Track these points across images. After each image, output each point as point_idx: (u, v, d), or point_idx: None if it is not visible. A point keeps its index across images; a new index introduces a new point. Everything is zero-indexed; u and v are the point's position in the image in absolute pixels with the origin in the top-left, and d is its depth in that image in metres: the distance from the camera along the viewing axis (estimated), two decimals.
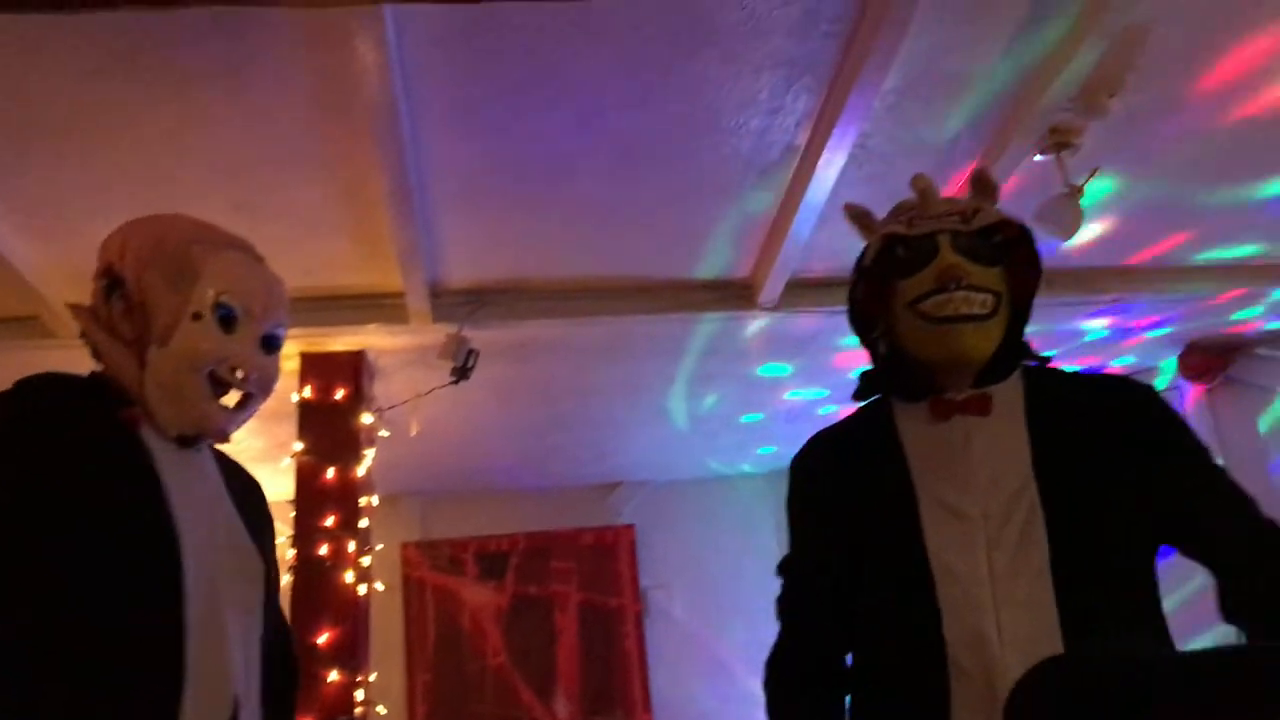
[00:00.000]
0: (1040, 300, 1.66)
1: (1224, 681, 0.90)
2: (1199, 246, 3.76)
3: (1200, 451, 1.53)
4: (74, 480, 1.39)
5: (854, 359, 4.16)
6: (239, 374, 1.57)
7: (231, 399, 1.58)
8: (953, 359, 1.54)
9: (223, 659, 1.44)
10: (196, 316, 1.56)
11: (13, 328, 3.56)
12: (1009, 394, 1.56)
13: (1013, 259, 1.60)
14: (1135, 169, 3.22)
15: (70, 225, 3.04)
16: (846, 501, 1.58)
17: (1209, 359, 4.31)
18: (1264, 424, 4.27)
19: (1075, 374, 1.65)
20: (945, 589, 1.42)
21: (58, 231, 3.08)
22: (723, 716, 5.47)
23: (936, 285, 1.53)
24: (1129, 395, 1.57)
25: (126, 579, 1.38)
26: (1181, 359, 4.39)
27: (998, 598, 1.40)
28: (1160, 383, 4.57)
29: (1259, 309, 4.10)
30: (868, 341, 1.70)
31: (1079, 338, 4.32)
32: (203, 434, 1.57)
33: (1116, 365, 4.68)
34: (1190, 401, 4.44)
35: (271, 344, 1.64)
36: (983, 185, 1.67)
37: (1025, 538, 1.42)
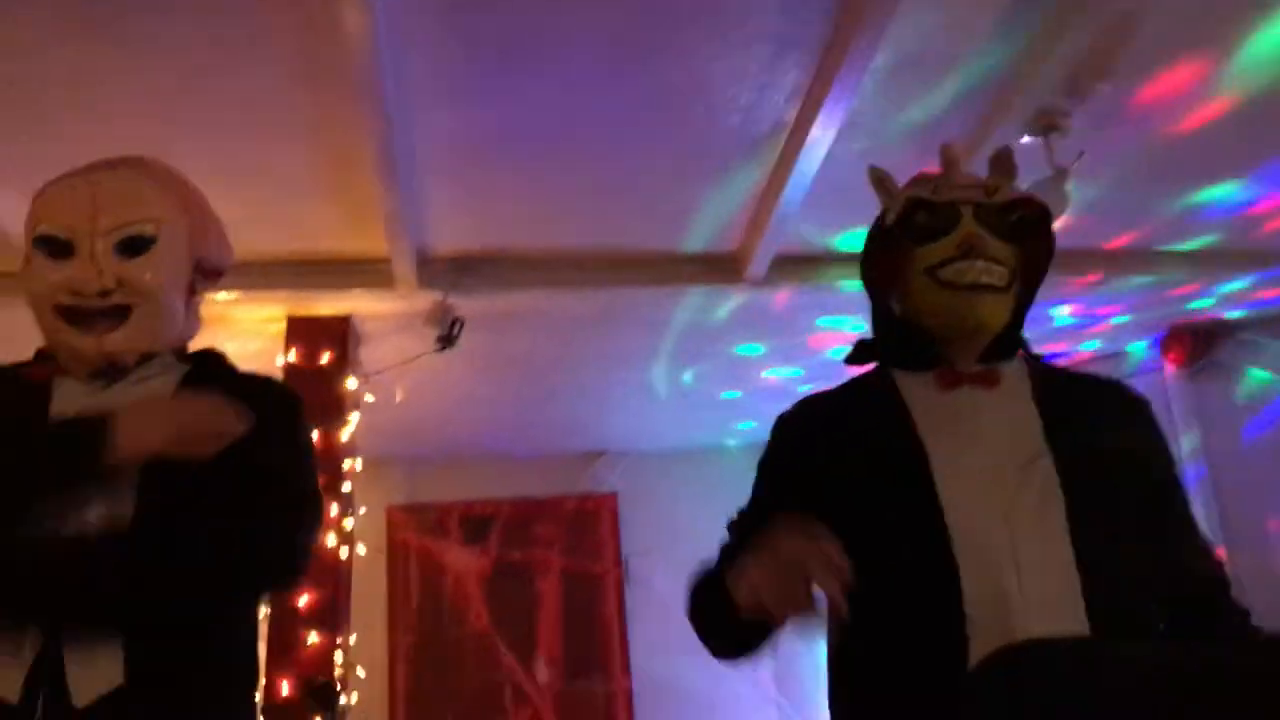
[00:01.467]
0: None
1: (1174, 676, 0.92)
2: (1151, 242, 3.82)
3: (1182, 485, 1.62)
4: None
5: (829, 340, 4.19)
6: (84, 293, 1.52)
7: (103, 321, 1.53)
8: (967, 327, 1.56)
9: None
10: (28, 260, 1.57)
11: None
12: (1014, 373, 1.59)
13: (1028, 238, 1.62)
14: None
15: None
16: (844, 464, 1.56)
17: (1192, 342, 4.34)
18: (1241, 396, 4.32)
19: (1073, 370, 1.69)
20: (963, 548, 1.41)
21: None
22: (699, 682, 5.51)
23: (958, 253, 1.55)
24: (1128, 396, 1.64)
25: None
26: (1164, 342, 4.41)
27: (1019, 559, 1.40)
28: (1130, 366, 4.62)
29: (1210, 300, 4.16)
30: (879, 303, 1.71)
31: (1048, 323, 4.34)
32: (93, 365, 1.54)
33: (1085, 350, 4.71)
34: (1170, 382, 4.46)
35: (130, 246, 1.56)
36: (1003, 163, 1.69)
37: (1043, 503, 1.43)
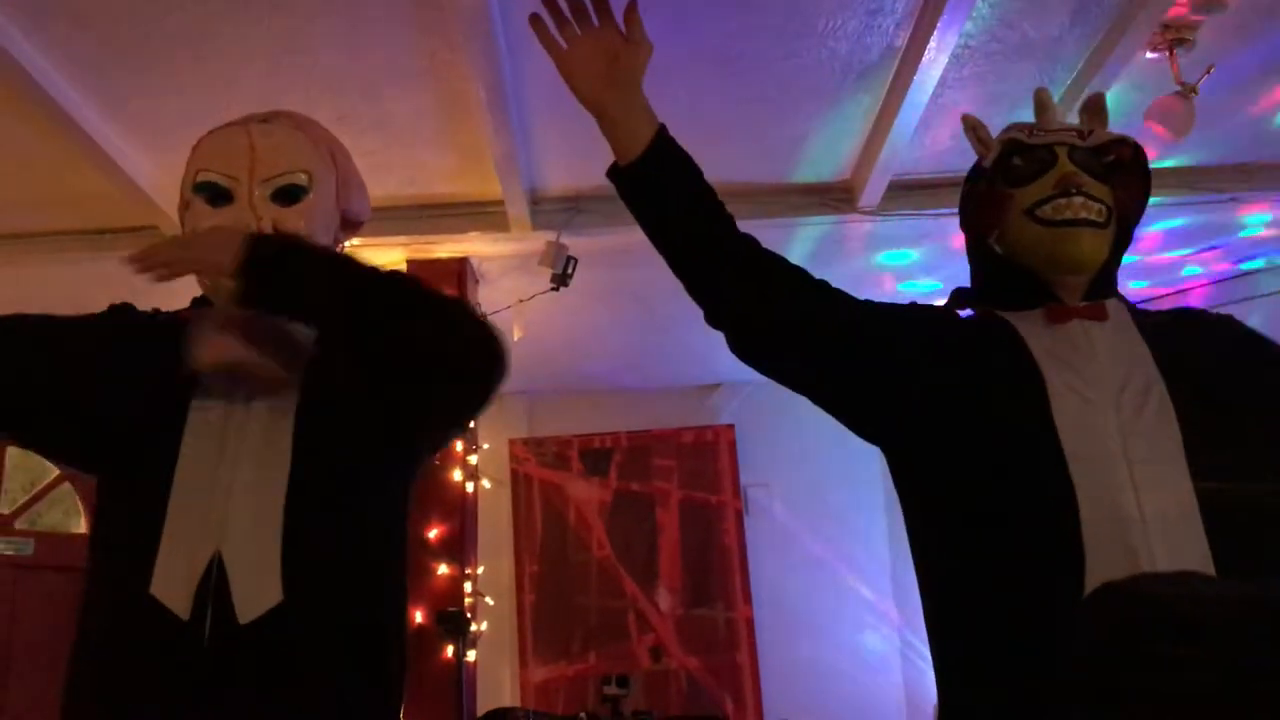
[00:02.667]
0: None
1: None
2: None
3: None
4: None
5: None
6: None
7: None
8: (1071, 261, 1.56)
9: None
10: (187, 205, 1.62)
11: (133, 237, 3.74)
12: (1118, 309, 1.59)
13: (1124, 178, 1.61)
14: None
15: (187, 143, 3.16)
16: (966, 383, 1.55)
17: None
18: None
19: (1163, 311, 1.68)
20: (1080, 469, 1.42)
21: (175, 148, 3.20)
22: (820, 608, 5.60)
23: (1056, 190, 1.55)
24: (1215, 319, 1.63)
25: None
26: None
27: (1136, 480, 1.41)
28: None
29: None
30: (980, 248, 1.71)
31: (1236, 230, 4.15)
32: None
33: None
34: None
35: (286, 195, 1.62)
36: (1095, 109, 1.69)
37: (1159, 428, 1.44)
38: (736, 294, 1.60)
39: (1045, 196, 1.56)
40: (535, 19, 1.61)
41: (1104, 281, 1.60)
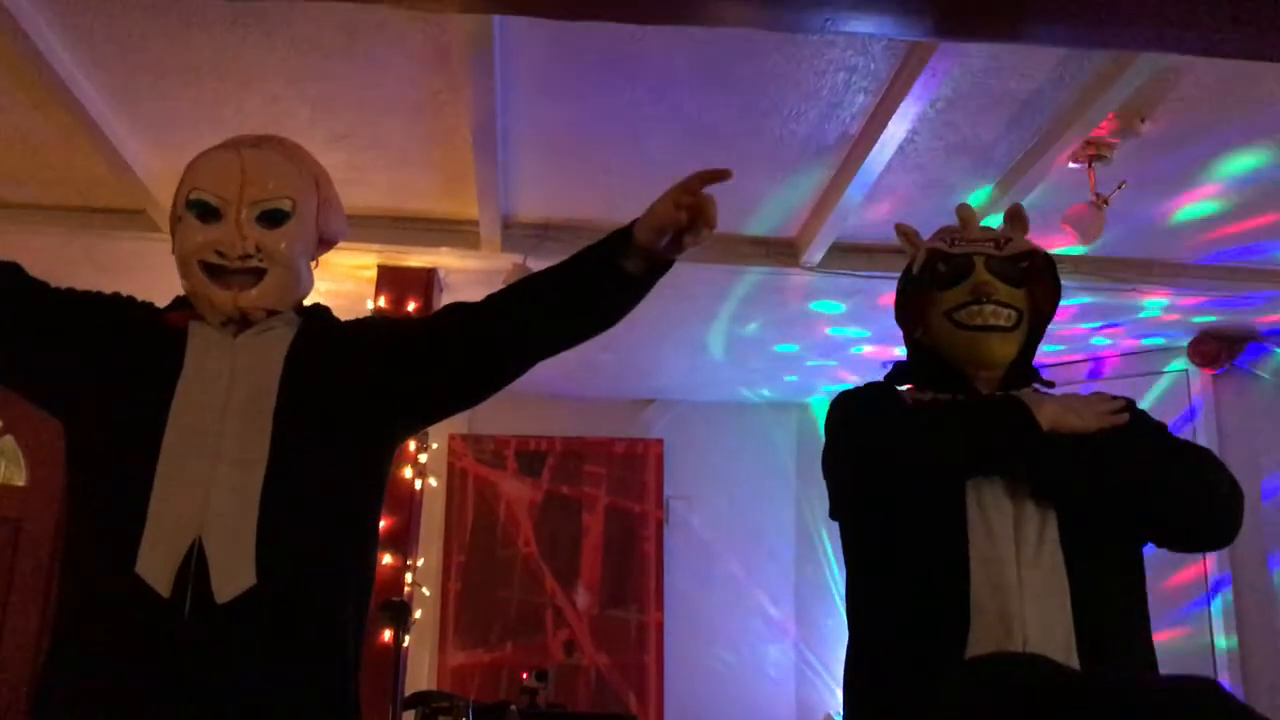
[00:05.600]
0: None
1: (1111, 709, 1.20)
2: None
3: (1158, 435, 1.84)
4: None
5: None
6: (227, 255, 1.72)
7: (240, 279, 1.74)
8: (980, 361, 1.84)
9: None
10: (179, 219, 1.79)
11: (126, 219, 3.93)
12: (1027, 399, 1.82)
13: (1035, 283, 1.89)
14: None
15: (191, 144, 3.36)
16: None
17: (1219, 346, 4.58)
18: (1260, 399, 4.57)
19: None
20: (978, 543, 1.66)
21: (178, 146, 3.41)
22: (727, 618, 5.94)
23: (970, 298, 1.83)
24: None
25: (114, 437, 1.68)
26: (1193, 345, 4.65)
27: (1021, 556, 1.65)
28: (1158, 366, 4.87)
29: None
30: (909, 336, 2.01)
31: (1136, 312, 4.54)
32: (227, 315, 1.74)
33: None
34: (1197, 387, 4.72)
35: (270, 218, 1.76)
36: (1015, 218, 1.98)
37: (1042, 513, 1.68)
38: None
39: (961, 303, 1.83)
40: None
41: (1017, 374, 1.87)
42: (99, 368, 1.74)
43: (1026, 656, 1.49)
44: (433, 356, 1.82)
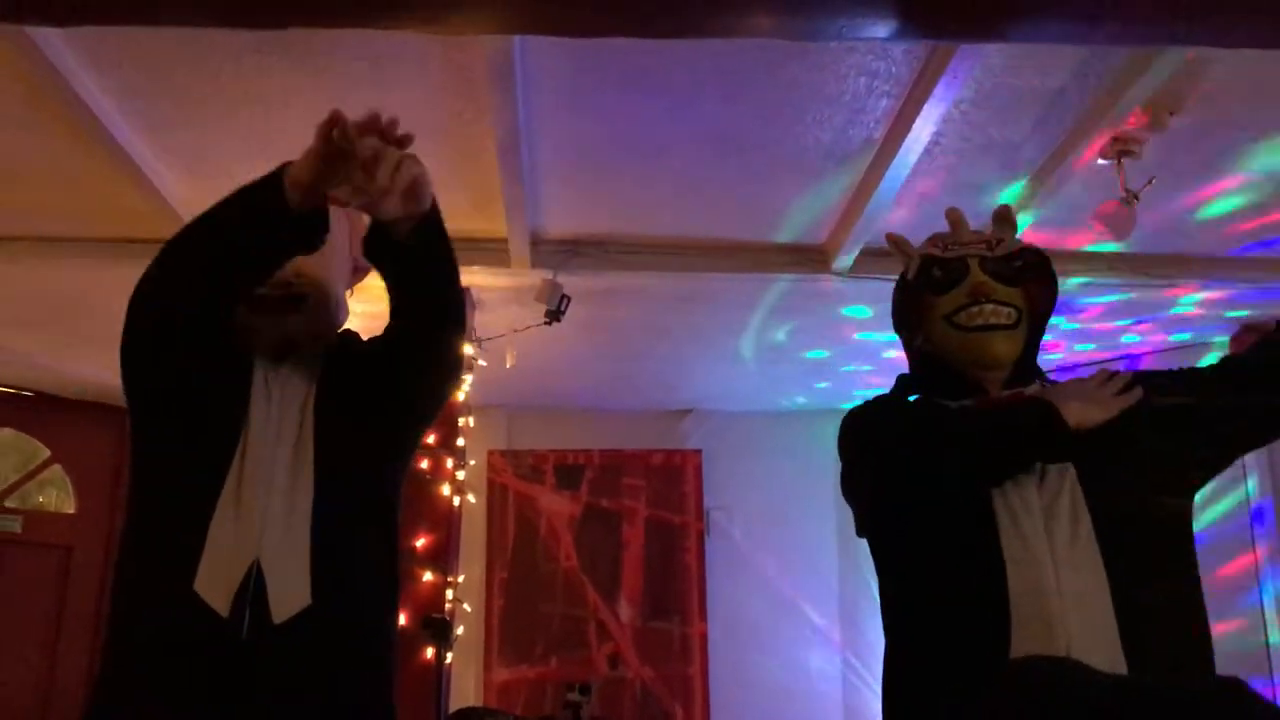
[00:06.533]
0: None
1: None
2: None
3: (1194, 374, 1.89)
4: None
5: None
6: (270, 284, 1.76)
7: (282, 306, 1.80)
8: (984, 362, 1.83)
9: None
10: None
11: (157, 248, 3.98)
12: (1049, 396, 1.82)
13: (1032, 281, 1.89)
14: None
15: (222, 172, 3.42)
16: None
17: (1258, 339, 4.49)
18: None
19: None
20: (1010, 546, 1.64)
21: (210, 175, 3.47)
22: (771, 628, 5.91)
23: (969, 300, 1.83)
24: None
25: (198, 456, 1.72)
26: (1233, 339, 4.56)
27: (1056, 558, 1.62)
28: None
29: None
30: (910, 345, 2.00)
31: (1168, 307, 4.48)
32: (276, 345, 1.80)
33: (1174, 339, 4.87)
34: None
35: None
36: (1002, 219, 1.97)
37: (1073, 510, 1.67)
38: None
39: (960, 305, 1.83)
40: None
41: (1022, 371, 1.86)
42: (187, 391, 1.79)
43: (1053, 662, 1.47)
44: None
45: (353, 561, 1.76)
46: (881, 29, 2.04)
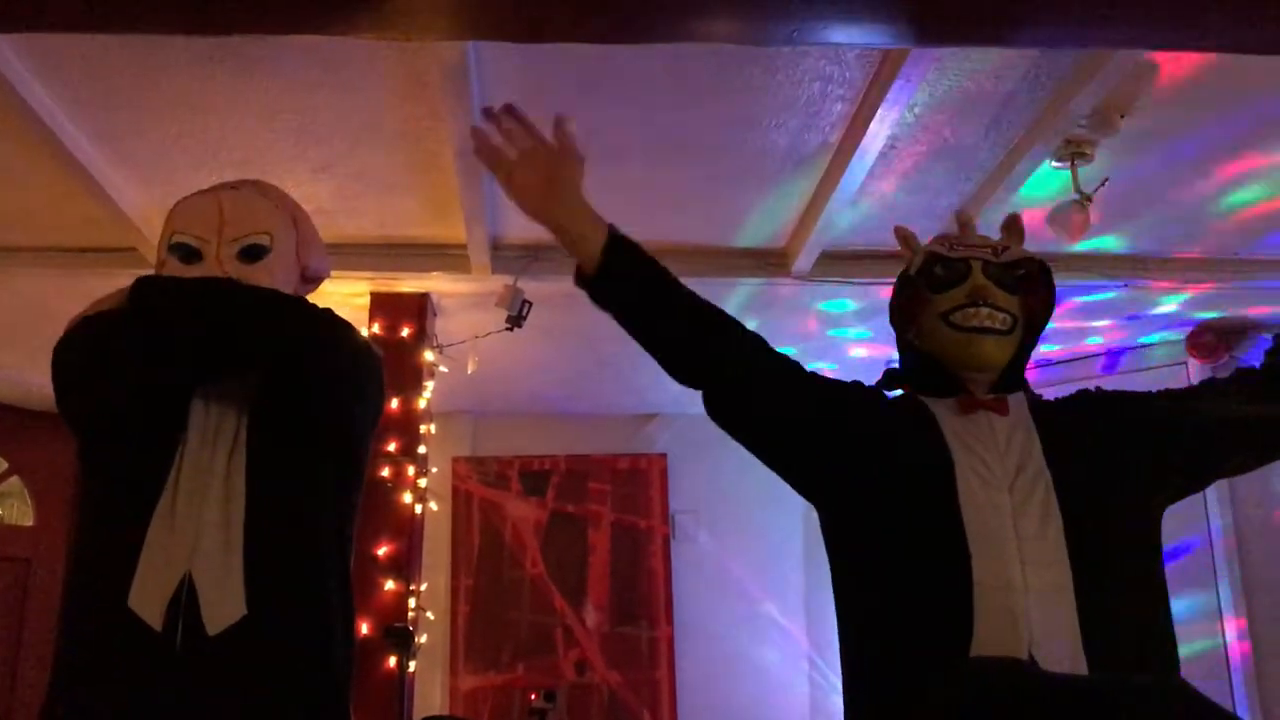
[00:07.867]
0: None
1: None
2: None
3: (1179, 394, 1.93)
4: None
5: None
6: None
7: None
8: (974, 363, 1.83)
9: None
10: (162, 264, 1.84)
11: (115, 257, 3.94)
12: (1020, 403, 1.86)
13: (1030, 291, 1.90)
14: None
15: (176, 179, 3.39)
16: (887, 460, 1.81)
17: (1218, 339, 4.56)
18: None
19: (1056, 400, 1.96)
20: (976, 539, 1.65)
21: (164, 183, 3.43)
22: (738, 633, 5.91)
23: (967, 301, 1.84)
24: (1095, 396, 1.94)
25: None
26: (1190, 338, 4.63)
27: (1023, 554, 1.64)
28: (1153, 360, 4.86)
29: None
30: (902, 338, 2.02)
31: (1131, 308, 4.48)
32: None
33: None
34: (1194, 378, 4.70)
35: (250, 254, 1.83)
36: (1012, 228, 1.99)
37: (1044, 512, 1.69)
38: (716, 370, 1.91)
39: (957, 305, 1.84)
40: (481, 150, 1.86)
41: (1009, 378, 1.87)
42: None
43: (1001, 661, 1.48)
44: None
45: (293, 571, 1.75)
46: (835, 34, 2.06)
